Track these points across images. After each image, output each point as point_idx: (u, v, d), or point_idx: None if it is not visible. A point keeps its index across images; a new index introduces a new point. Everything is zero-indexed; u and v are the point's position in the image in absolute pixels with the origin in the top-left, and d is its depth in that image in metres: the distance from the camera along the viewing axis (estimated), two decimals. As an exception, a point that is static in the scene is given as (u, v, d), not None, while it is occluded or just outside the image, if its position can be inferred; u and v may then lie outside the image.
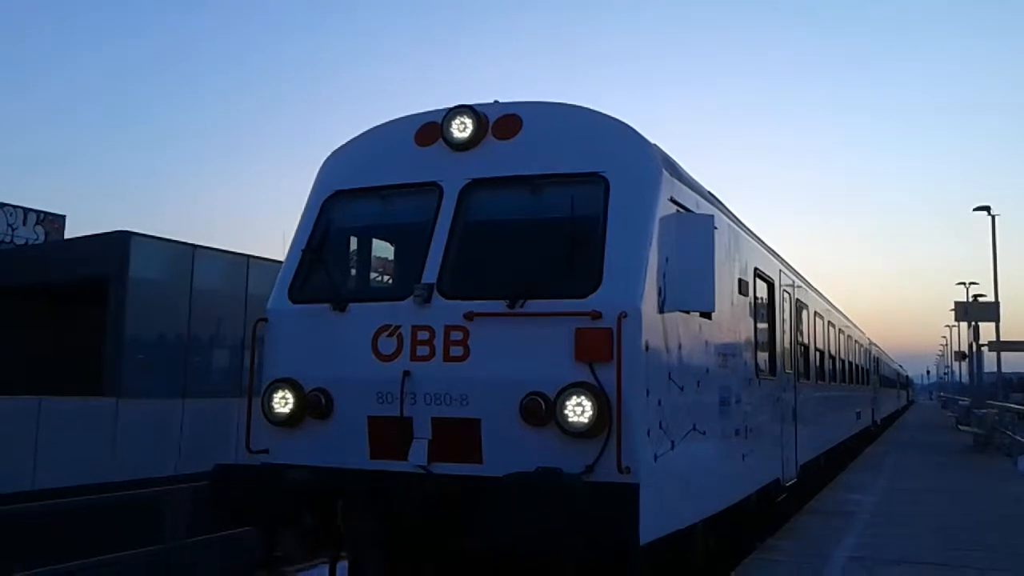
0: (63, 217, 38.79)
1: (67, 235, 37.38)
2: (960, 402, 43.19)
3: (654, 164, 6.62)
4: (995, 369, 39.81)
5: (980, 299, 41.67)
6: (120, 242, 26.18)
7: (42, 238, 36.87)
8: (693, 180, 7.63)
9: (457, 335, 6.22)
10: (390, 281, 7.80)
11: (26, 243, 35.88)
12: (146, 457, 22.55)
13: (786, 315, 11.64)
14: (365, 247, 7.76)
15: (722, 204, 8.61)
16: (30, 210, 37.36)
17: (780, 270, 11.40)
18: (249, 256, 29.48)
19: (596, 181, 6.45)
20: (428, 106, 7.27)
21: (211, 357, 29.50)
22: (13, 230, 36.25)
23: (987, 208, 36.71)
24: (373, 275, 7.95)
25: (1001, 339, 36.39)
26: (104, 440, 22.54)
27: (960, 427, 30.47)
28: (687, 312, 6.81)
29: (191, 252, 27.94)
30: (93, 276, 26.52)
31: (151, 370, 26.31)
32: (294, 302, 6.97)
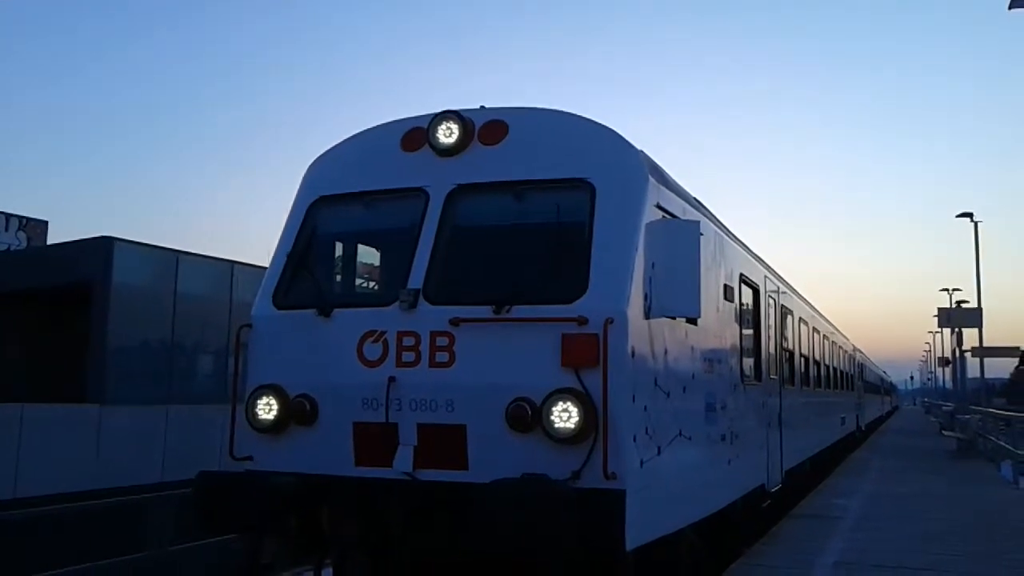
0: (45, 223, 38.66)
1: (49, 241, 37.25)
2: (944, 408, 43.45)
3: (640, 170, 6.63)
4: (978, 375, 40.09)
5: (963, 305, 41.90)
6: (103, 248, 26.00)
7: (24, 244, 36.69)
8: (679, 186, 7.65)
9: (443, 341, 6.19)
10: (375, 287, 7.78)
11: (8, 249, 35.65)
12: (130, 464, 22.41)
13: (771, 321, 11.68)
14: (350, 253, 7.72)
15: (708, 210, 8.63)
16: (12, 216, 37.20)
17: (765, 276, 11.45)
18: (234, 262, 29.36)
19: (582, 187, 6.45)
20: (416, 112, 7.26)
21: (195, 363, 29.33)
22: (-6, 236, 36.05)
23: (970, 215, 36.99)
24: (358, 281, 7.92)
25: (984, 345, 36.64)
26: (88, 447, 22.38)
27: (944, 432, 30.66)
28: (673, 318, 6.82)
29: (175, 258, 27.78)
30: (76, 282, 26.35)
31: (135, 377, 26.12)
32: (279, 308, 6.93)
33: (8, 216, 37.00)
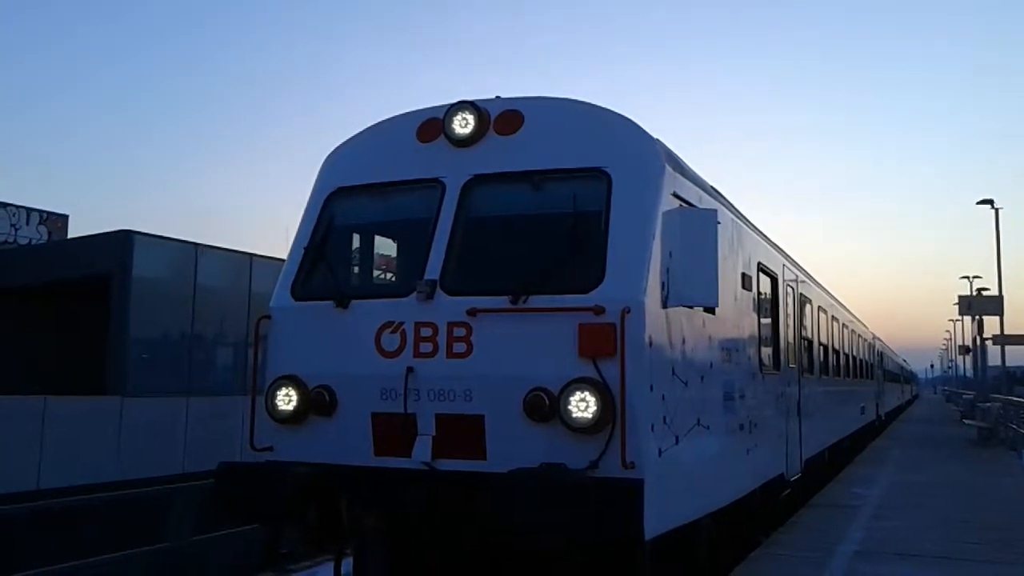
0: (66, 216, 38.83)
1: (70, 234, 37.40)
2: (964, 396, 43.14)
3: (657, 159, 6.61)
4: (999, 363, 39.77)
5: (984, 293, 41.52)
6: (123, 241, 26.13)
7: (45, 238, 36.91)
8: (696, 175, 7.61)
9: (460, 331, 6.21)
10: (393, 278, 7.80)
11: (29, 243, 35.91)
12: (151, 456, 22.55)
13: (789, 310, 11.62)
14: (367, 244, 7.74)
15: (725, 199, 8.59)
16: (33, 210, 37.39)
17: (783, 264, 11.38)
18: (252, 254, 29.47)
19: (598, 176, 6.43)
20: (433, 102, 7.25)
21: (215, 355, 29.48)
22: (16, 230, 36.30)
23: (991, 202, 36.63)
24: (376, 272, 7.94)
25: (1005, 332, 36.31)
26: (109, 439, 22.53)
27: (964, 421, 30.47)
28: (690, 307, 6.80)
29: (194, 251, 27.89)
30: (96, 275, 26.49)
31: (155, 369, 26.27)
32: (297, 299, 6.97)
33: (29, 210, 37.19)
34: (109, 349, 26.00)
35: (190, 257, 27.68)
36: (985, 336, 39.20)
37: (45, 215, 37.83)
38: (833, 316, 16.88)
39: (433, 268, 6.45)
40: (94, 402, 23.39)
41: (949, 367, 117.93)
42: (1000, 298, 35.46)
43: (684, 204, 6.87)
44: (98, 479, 20.16)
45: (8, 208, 36.16)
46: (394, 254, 7.87)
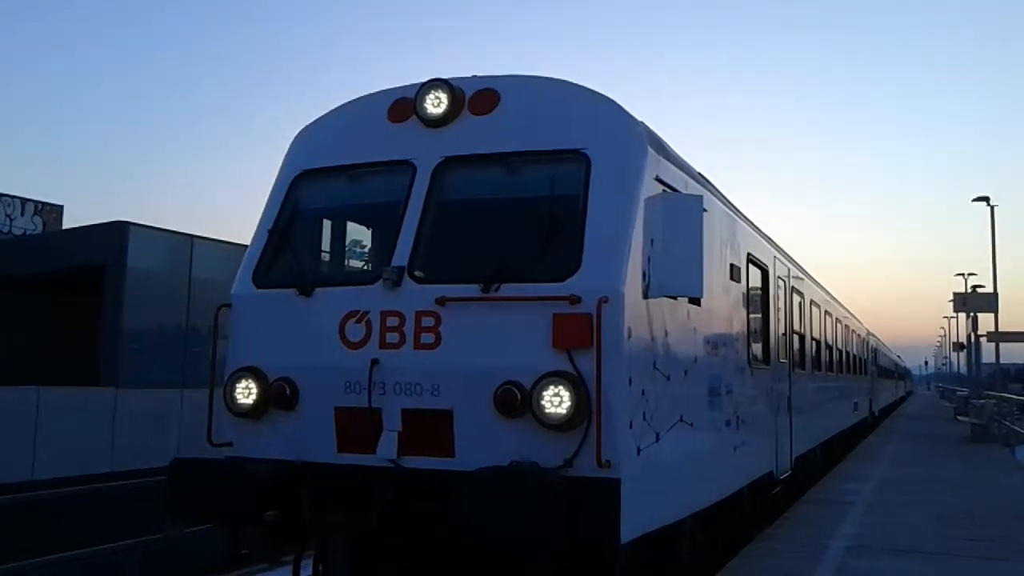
0: (61, 207, 38.64)
1: (65, 225, 37.28)
2: (958, 393, 43.01)
3: (639, 141, 6.30)
4: (993, 359, 39.62)
5: (979, 290, 41.38)
6: (118, 232, 26.09)
7: (40, 228, 36.73)
8: (681, 159, 7.31)
9: (428, 321, 5.90)
10: (360, 265, 7.52)
11: (24, 233, 35.72)
12: (145, 447, 22.41)
13: (781, 303, 11.36)
14: (334, 229, 7.42)
15: (713, 186, 8.30)
16: (28, 200, 37.20)
17: (775, 257, 11.12)
18: (247, 246, 29.30)
19: (577, 158, 6.11)
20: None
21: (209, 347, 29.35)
22: (11, 220, 36.11)
23: (986, 199, 36.56)
24: (347, 258, 7.65)
25: (999, 330, 36.20)
26: (103, 430, 22.42)
27: (958, 417, 30.34)
28: (674, 298, 6.53)
29: (189, 242, 27.83)
30: (91, 266, 26.43)
31: (150, 360, 26.18)
32: (259, 287, 6.67)
33: (24, 201, 36.98)
34: (103, 340, 25.91)
35: (185, 248, 27.64)
36: (980, 333, 39.06)
37: (40, 206, 37.63)
38: (826, 311, 16.64)
39: (401, 254, 6.13)
40: (88, 393, 23.29)
41: (943, 364, 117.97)
42: (995, 295, 35.40)
43: (668, 189, 6.57)
44: (92, 470, 20.08)
45: (3, 199, 35.97)
46: (363, 239, 7.58)
